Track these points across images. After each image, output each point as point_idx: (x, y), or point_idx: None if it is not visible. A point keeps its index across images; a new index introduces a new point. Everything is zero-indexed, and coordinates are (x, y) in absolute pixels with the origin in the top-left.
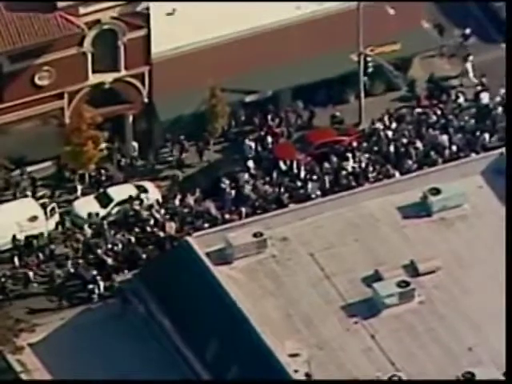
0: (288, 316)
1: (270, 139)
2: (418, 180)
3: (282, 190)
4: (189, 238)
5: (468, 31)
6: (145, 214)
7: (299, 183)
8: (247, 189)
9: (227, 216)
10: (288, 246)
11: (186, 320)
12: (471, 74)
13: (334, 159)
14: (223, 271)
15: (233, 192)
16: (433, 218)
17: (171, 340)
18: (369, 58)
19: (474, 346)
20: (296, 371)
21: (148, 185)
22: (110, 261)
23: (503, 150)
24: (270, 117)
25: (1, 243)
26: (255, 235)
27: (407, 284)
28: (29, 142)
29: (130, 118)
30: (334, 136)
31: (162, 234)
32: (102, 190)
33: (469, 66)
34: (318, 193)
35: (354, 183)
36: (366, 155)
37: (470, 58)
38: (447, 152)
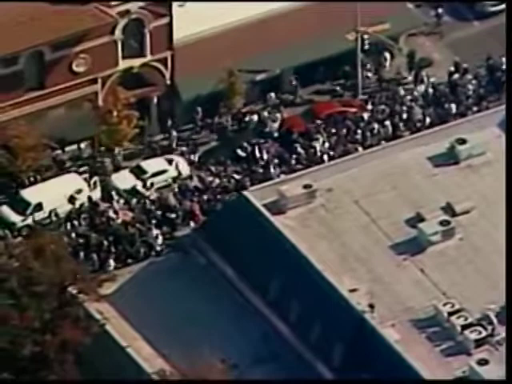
0: (342, 257)
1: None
2: (443, 133)
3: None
4: (245, 193)
5: (440, 10)
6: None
7: (261, 167)
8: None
9: (187, 204)
10: (334, 196)
11: (248, 266)
12: (387, 64)
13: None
14: (279, 220)
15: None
16: (460, 166)
17: (233, 285)
18: (366, 36)
19: None
20: (358, 303)
21: (178, 159)
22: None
23: None
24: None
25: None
26: (305, 187)
27: (449, 223)
28: (67, 125)
29: (155, 99)
30: (339, 107)
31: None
32: (136, 164)
33: (387, 55)
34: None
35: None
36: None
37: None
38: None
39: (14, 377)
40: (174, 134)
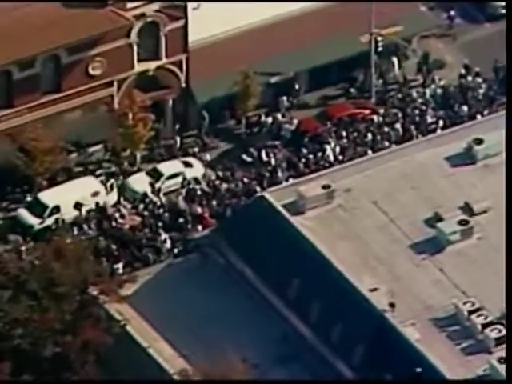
0: (362, 256)
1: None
2: (460, 133)
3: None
4: (264, 193)
5: (452, 13)
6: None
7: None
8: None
9: (198, 209)
10: (352, 196)
11: (267, 266)
12: (396, 69)
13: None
14: (297, 221)
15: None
16: (477, 166)
17: (252, 285)
18: (379, 38)
19: None
20: (379, 303)
21: (193, 161)
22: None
23: None
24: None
25: (70, 216)
26: (324, 187)
27: (467, 222)
28: (83, 127)
29: (170, 102)
30: (353, 110)
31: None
32: (152, 166)
33: (395, 60)
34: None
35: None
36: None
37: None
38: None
39: (35, 378)
40: (178, 138)
